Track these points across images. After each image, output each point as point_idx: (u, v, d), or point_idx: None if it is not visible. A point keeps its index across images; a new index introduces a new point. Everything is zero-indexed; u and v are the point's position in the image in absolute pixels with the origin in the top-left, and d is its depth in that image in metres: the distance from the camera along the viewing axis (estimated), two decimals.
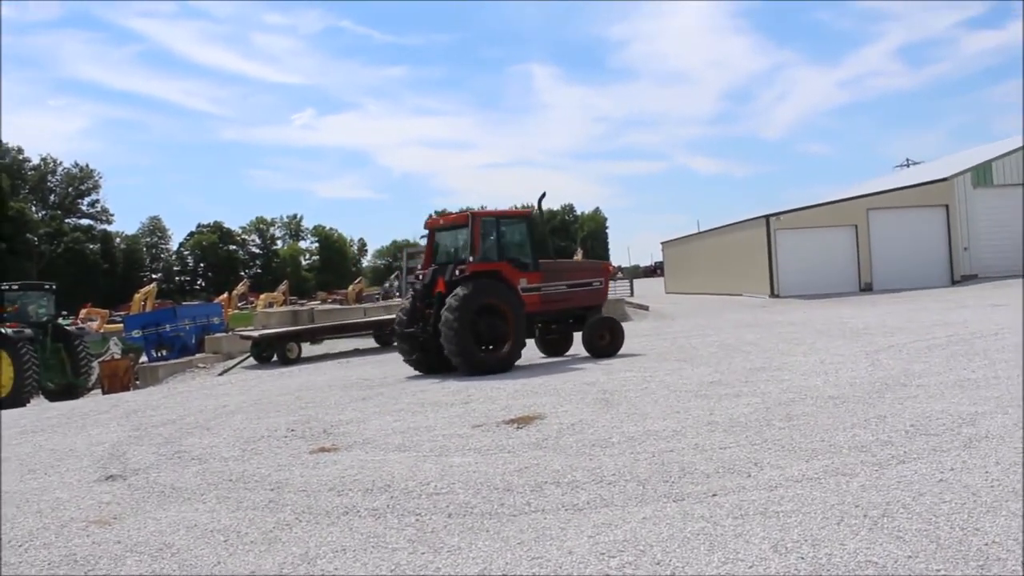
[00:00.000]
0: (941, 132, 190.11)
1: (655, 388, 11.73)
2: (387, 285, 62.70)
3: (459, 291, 15.17)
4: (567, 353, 18.18)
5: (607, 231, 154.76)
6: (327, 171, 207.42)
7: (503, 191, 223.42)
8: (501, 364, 15.52)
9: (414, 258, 29.80)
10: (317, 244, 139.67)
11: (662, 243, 68.08)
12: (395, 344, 17.42)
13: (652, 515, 5.78)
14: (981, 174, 41.75)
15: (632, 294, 46.50)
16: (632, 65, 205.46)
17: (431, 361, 15.97)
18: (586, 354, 17.08)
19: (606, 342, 17.06)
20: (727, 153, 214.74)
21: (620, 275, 72.44)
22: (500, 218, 17.06)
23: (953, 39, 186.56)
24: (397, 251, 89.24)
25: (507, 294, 15.84)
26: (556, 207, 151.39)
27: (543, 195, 18.24)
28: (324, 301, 63.57)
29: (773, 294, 38.02)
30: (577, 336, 17.73)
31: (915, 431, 7.76)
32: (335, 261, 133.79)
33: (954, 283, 39.37)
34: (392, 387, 14.24)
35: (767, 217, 39.65)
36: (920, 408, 8.84)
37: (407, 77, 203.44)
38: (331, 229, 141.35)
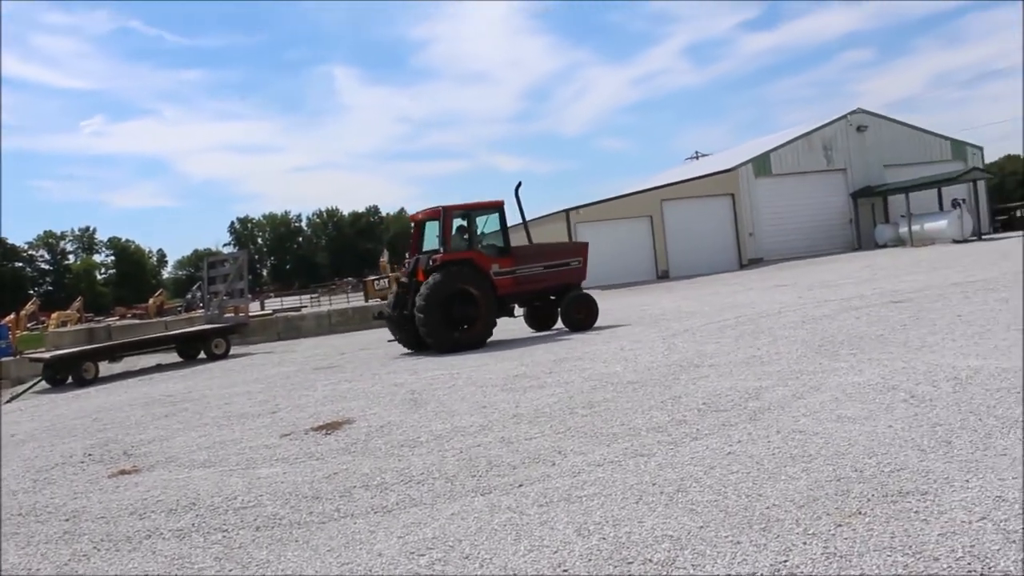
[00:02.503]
0: (726, 126, 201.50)
1: (462, 385, 11.86)
2: (189, 296, 60.29)
3: (430, 280, 17.02)
4: (554, 327, 19.66)
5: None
6: (122, 180, 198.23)
7: (309, 194, 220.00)
8: (472, 342, 17.20)
9: (216, 267, 28.78)
10: (113, 257, 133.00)
11: None
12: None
13: (460, 510, 5.86)
14: (761, 164, 44.41)
15: None
16: (433, 65, 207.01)
17: (415, 340, 17.65)
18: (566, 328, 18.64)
19: (582, 316, 18.63)
20: (529, 150, 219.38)
21: None
22: (471, 210, 18.47)
23: (733, 39, 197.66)
24: (199, 261, 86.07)
25: (477, 279, 17.49)
26: (361, 209, 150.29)
27: (519, 184, 19.37)
28: (123, 316, 60.61)
29: None
30: None
31: (707, 408, 8.19)
32: (133, 274, 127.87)
33: (742, 267, 41.75)
34: (197, 402, 13.75)
35: (567, 211, 40.78)
36: (711, 386, 9.34)
37: (204, 81, 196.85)
38: (127, 241, 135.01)
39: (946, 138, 49.81)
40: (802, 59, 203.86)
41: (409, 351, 17.94)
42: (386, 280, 37.08)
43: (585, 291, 19.43)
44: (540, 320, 19.81)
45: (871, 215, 46.66)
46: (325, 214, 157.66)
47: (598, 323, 18.76)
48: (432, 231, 18.57)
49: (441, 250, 17.56)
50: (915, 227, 41.57)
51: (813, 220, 45.33)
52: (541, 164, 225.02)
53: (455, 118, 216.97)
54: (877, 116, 48.12)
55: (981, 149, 50.88)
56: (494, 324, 17.82)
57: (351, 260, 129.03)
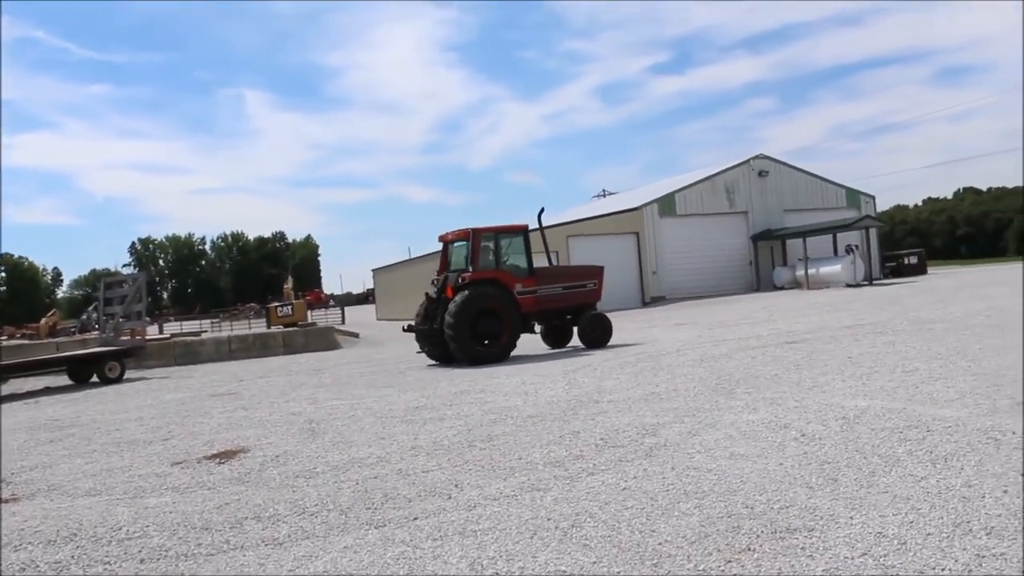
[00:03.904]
0: (635, 165, 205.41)
1: (361, 415, 11.73)
2: (84, 317, 58.32)
3: (459, 297, 18.16)
4: (568, 344, 20.84)
5: (319, 258, 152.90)
6: (19, 195, 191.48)
7: (214, 217, 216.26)
8: (497, 356, 18.39)
9: (113, 288, 27.92)
10: (4, 274, 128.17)
11: (373, 270, 68.32)
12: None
13: (353, 543, 5.77)
14: (666, 204, 45.31)
15: (343, 321, 46.18)
16: (347, 93, 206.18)
17: (441, 352, 18.79)
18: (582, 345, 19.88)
19: (597, 334, 19.84)
20: (439, 182, 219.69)
21: (332, 303, 71.83)
22: (498, 233, 19.85)
23: (643, 82, 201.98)
24: (97, 281, 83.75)
25: (502, 297, 18.72)
26: (267, 234, 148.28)
27: (542, 210, 20.98)
28: (11, 336, 58.20)
29: None
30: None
31: (604, 444, 8.26)
32: (25, 292, 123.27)
33: (645, 304, 42.36)
34: (85, 427, 13.28)
35: None
36: (610, 422, 9.42)
37: (111, 96, 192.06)
38: (20, 258, 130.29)
39: (842, 186, 51.68)
40: (709, 104, 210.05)
41: (435, 362, 19.17)
42: (290, 307, 36.37)
43: (599, 312, 20.71)
44: (556, 337, 20.96)
45: (770, 257, 48.00)
46: (230, 238, 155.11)
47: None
48: (460, 251, 19.90)
49: (470, 269, 18.79)
50: (811, 270, 42.87)
51: (715, 260, 46.39)
52: (450, 196, 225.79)
53: (366, 147, 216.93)
54: (778, 162, 49.65)
55: (874, 198, 52.92)
56: (517, 339, 19.06)
57: (255, 285, 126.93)
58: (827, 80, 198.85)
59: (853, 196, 51.43)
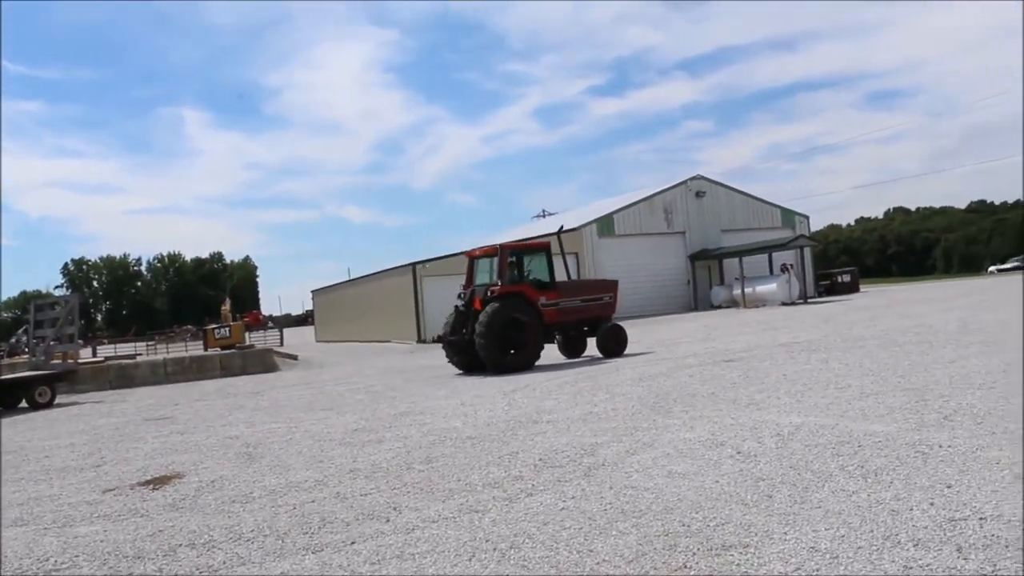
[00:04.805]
0: (574, 186, 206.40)
1: (300, 438, 11.61)
2: (14, 340, 56.84)
3: (489, 309, 19.12)
4: (584, 354, 21.82)
5: (258, 279, 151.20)
6: None
7: (151, 237, 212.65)
8: (523, 365, 19.20)
9: (44, 311, 27.28)
10: None
11: (312, 291, 67.73)
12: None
13: (290, 569, 5.70)
14: (605, 225, 45.69)
15: (282, 343, 45.68)
16: (286, 113, 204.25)
17: (469, 362, 19.76)
18: (599, 354, 20.95)
19: (613, 345, 20.97)
20: (378, 202, 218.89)
21: (270, 325, 71.06)
22: (522, 249, 21.49)
23: (582, 104, 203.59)
24: (27, 303, 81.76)
25: (528, 309, 19.75)
26: (204, 255, 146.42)
27: (561, 228, 22.66)
28: None
29: (420, 340, 39.01)
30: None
31: (543, 464, 8.28)
32: None
33: None
34: (13, 455, 12.93)
35: (414, 265, 40.75)
36: (548, 442, 9.44)
37: (43, 113, 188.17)
38: None
39: (777, 206, 52.61)
40: (647, 126, 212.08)
41: (461, 371, 20.06)
42: (227, 329, 35.88)
43: (615, 323, 21.80)
44: (572, 348, 21.89)
45: (707, 277, 48.63)
46: (167, 258, 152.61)
47: (439, 379, 18.79)
48: (485, 266, 21.06)
49: (499, 283, 19.83)
50: (747, 289, 43.52)
51: (653, 280, 46.81)
52: (390, 217, 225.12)
53: (306, 167, 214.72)
54: (715, 183, 50.41)
55: (808, 218, 54.01)
56: (541, 349, 20.01)
57: (192, 307, 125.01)
58: (762, 103, 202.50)
59: (788, 216, 52.40)
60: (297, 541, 6.36)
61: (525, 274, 20.76)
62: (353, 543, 6.16)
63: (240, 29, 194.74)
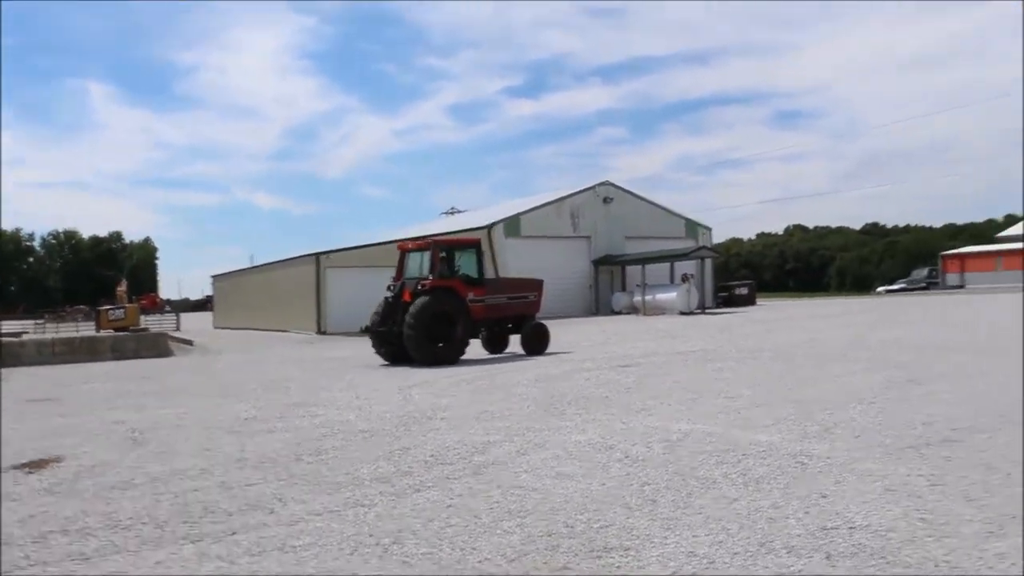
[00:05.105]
0: (487, 185, 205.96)
1: (189, 425, 11.36)
2: None
3: (419, 302, 19.46)
4: (506, 351, 22.15)
5: (157, 262, 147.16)
6: None
7: (46, 213, 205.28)
8: (449, 358, 19.56)
9: None
10: None
11: (213, 277, 66.43)
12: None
13: (166, 559, 5.56)
14: (512, 225, 45.86)
15: (178, 328, 44.59)
16: (198, 94, 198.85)
17: (395, 353, 19.96)
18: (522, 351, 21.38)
19: (536, 342, 21.55)
20: (288, 190, 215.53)
21: (168, 309, 69.36)
22: (453, 245, 22.29)
23: (497, 103, 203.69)
24: None
25: (457, 304, 20.19)
26: (103, 234, 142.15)
27: (492, 225, 21.15)
28: None
29: (320, 331, 38.58)
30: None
31: (433, 461, 8.27)
32: None
33: None
34: None
35: (318, 255, 40.25)
36: (441, 439, 9.44)
37: None
38: None
39: (682, 217, 53.60)
40: (562, 129, 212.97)
41: (387, 363, 20.18)
42: (122, 311, 34.83)
43: (539, 321, 22.35)
44: (495, 344, 22.27)
45: (610, 282, 49.22)
46: (62, 235, 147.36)
47: (336, 371, 18.62)
48: (416, 260, 21.33)
49: (430, 276, 20.11)
50: (648, 297, 44.17)
51: (556, 283, 46.89)
52: (300, 205, 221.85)
53: (215, 149, 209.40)
54: (623, 190, 51.07)
55: (710, 230, 55.13)
56: (467, 344, 20.44)
57: (86, 287, 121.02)
58: (674, 114, 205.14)
59: (692, 227, 53.42)
60: (176, 530, 6.21)
61: (455, 269, 21.14)
62: (234, 534, 6.05)
63: (155, 5, 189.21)
